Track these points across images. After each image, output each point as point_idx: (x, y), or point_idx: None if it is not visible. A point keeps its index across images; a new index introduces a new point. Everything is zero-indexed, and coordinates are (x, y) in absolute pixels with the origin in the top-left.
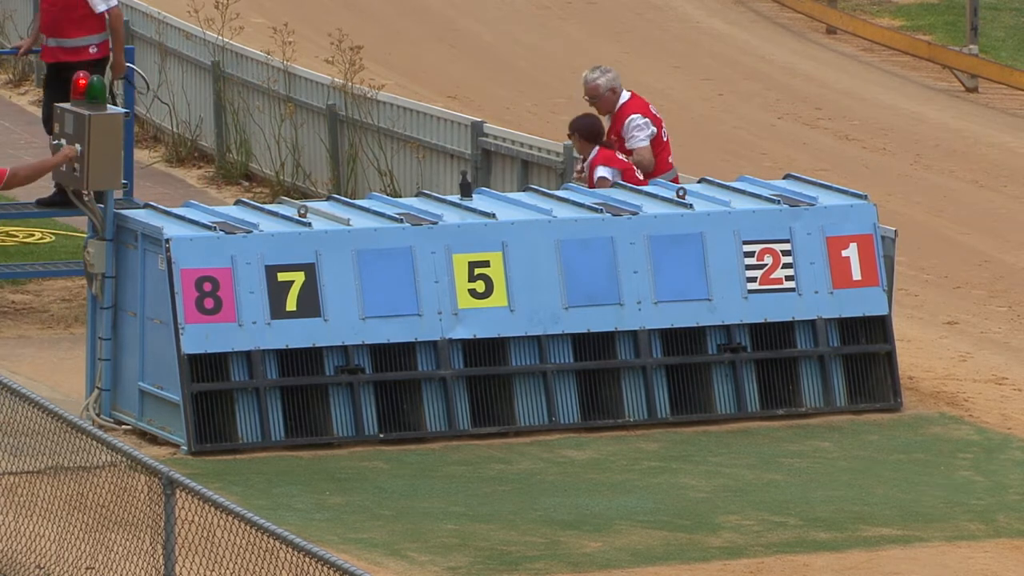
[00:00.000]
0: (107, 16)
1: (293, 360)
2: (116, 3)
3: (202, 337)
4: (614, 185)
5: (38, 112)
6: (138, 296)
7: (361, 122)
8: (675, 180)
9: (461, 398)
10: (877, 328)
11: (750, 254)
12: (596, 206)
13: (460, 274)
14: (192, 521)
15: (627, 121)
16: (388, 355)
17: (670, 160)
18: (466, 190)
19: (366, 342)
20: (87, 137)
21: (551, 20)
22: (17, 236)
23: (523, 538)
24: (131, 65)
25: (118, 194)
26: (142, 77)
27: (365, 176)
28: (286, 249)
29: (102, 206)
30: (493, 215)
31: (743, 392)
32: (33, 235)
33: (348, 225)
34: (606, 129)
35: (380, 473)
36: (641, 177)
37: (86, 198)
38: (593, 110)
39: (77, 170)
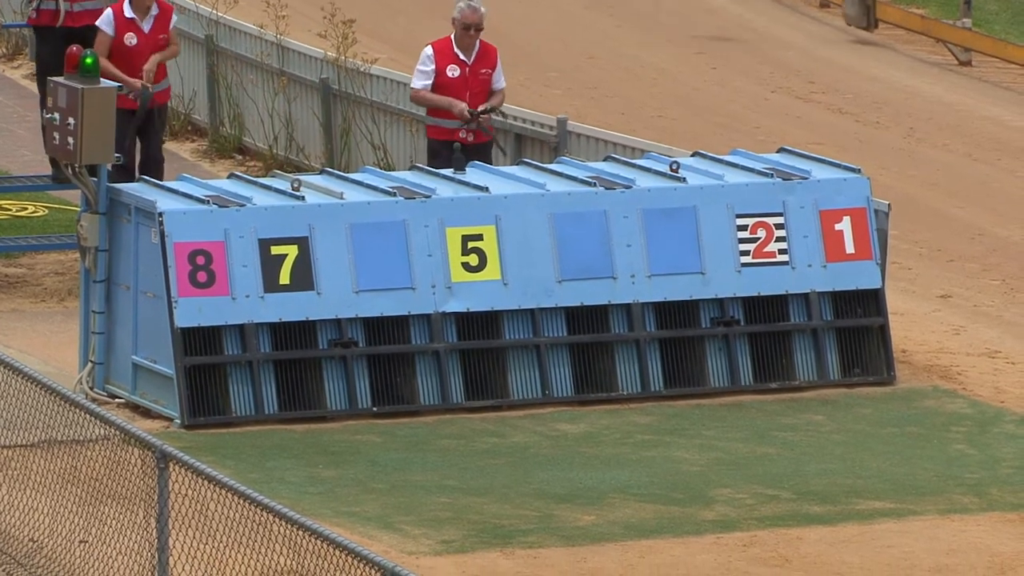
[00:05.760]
0: None
1: (286, 333)
2: None
3: (195, 310)
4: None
5: (32, 86)
6: (131, 269)
7: (354, 96)
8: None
9: (454, 371)
10: (870, 301)
11: (743, 227)
12: (589, 180)
13: (453, 247)
14: (185, 494)
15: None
16: (381, 328)
17: None
18: (459, 164)
19: (359, 315)
20: (80, 111)
21: None
22: (10, 210)
23: (516, 511)
24: None
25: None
26: None
27: (358, 150)
28: (279, 223)
29: (95, 179)
30: (486, 188)
31: (736, 365)
32: (26, 209)
33: (341, 199)
34: (468, 57)
35: (373, 446)
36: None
37: (79, 171)
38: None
39: (70, 144)
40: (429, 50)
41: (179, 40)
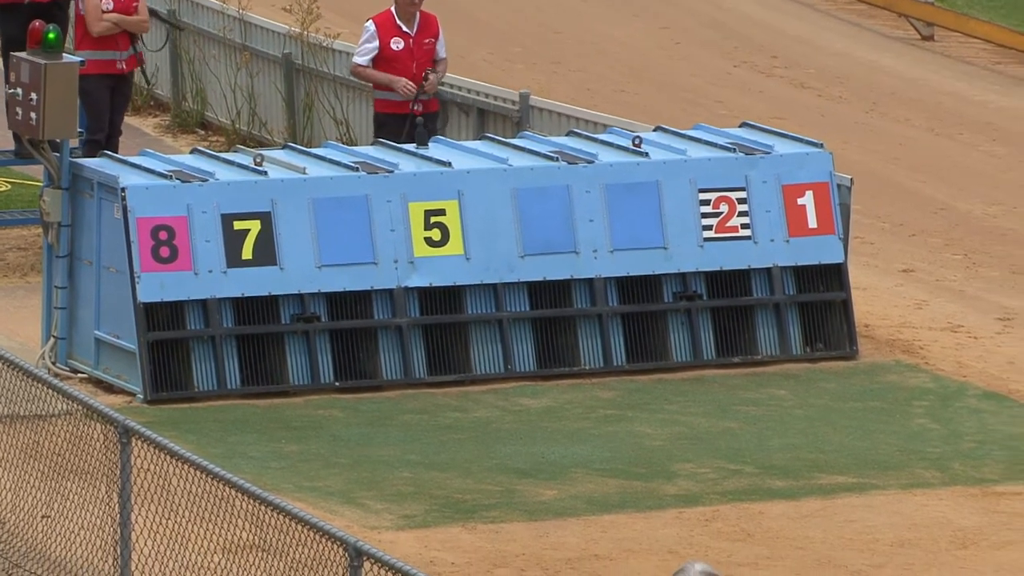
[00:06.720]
0: None
1: (249, 308)
2: None
3: (158, 285)
4: None
5: None
6: (94, 245)
7: (317, 71)
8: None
9: (417, 346)
10: (833, 276)
11: (706, 202)
12: (552, 154)
13: (416, 222)
14: (148, 469)
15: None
16: (344, 303)
17: None
18: (422, 139)
19: (322, 290)
20: (43, 86)
21: None
22: None
23: (479, 486)
24: None
25: (73, 143)
26: None
27: (321, 125)
28: (242, 198)
29: (58, 155)
30: (449, 164)
31: (699, 340)
32: None
33: (304, 174)
34: (411, 28)
35: (336, 421)
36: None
37: (42, 147)
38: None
39: (33, 119)
40: (371, 25)
41: (147, 15)
